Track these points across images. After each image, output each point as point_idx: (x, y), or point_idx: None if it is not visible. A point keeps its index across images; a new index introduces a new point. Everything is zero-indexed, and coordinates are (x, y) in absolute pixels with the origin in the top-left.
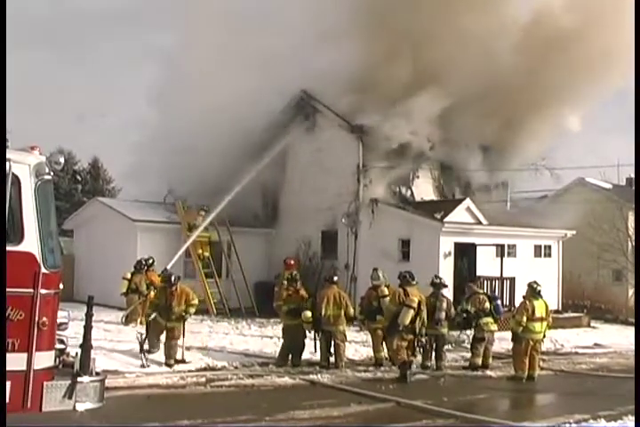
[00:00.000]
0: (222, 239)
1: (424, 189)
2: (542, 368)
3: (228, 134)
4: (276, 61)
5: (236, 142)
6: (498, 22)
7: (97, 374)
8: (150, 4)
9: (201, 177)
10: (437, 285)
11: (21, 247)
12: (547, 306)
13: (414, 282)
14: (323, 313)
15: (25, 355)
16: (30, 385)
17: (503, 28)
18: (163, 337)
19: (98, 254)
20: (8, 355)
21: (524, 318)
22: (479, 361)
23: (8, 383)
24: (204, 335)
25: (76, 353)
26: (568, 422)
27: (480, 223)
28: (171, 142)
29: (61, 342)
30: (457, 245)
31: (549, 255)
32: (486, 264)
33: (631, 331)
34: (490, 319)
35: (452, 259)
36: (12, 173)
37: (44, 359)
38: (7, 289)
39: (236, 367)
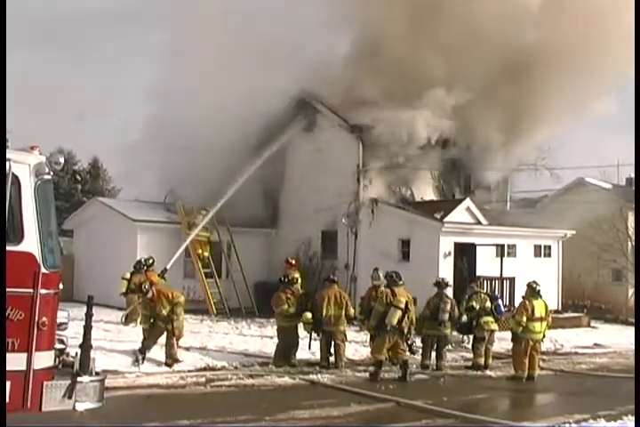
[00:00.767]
0: (222, 239)
1: (424, 189)
2: (542, 368)
3: (228, 134)
4: (277, 61)
5: (236, 143)
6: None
7: (97, 373)
8: (150, 4)
9: (201, 177)
10: (441, 284)
11: (21, 247)
12: (546, 306)
13: (401, 282)
14: (324, 313)
15: (25, 355)
16: (30, 385)
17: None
18: (160, 340)
19: (98, 254)
20: (8, 355)
21: (524, 318)
22: (482, 361)
23: (8, 383)
24: (203, 335)
25: (76, 353)
26: (568, 422)
27: (480, 223)
28: (170, 142)
29: (61, 341)
30: (457, 245)
31: (549, 255)
32: (486, 264)
33: (631, 331)
34: (490, 318)
35: (451, 259)
36: (12, 173)
37: (43, 359)
38: (7, 289)
39: (235, 367)
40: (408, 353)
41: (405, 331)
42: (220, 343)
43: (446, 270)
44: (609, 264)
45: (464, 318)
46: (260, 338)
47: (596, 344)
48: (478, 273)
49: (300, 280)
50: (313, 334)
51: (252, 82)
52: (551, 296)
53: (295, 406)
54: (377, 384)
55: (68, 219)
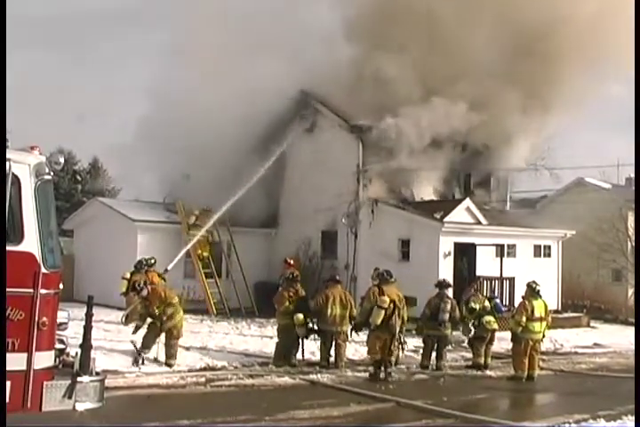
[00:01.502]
0: (222, 239)
1: (424, 189)
2: (542, 368)
3: (228, 134)
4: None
5: (236, 143)
6: None
7: (97, 373)
8: (150, 4)
9: (200, 177)
10: (443, 285)
11: (21, 247)
12: (546, 306)
13: (392, 280)
14: (328, 313)
15: (25, 355)
16: (30, 385)
17: None
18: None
19: (98, 254)
20: (8, 355)
21: (524, 318)
22: (482, 360)
23: (8, 383)
24: (203, 335)
25: (76, 353)
26: (568, 421)
27: (480, 223)
28: (170, 142)
29: (61, 341)
30: (457, 245)
31: (549, 255)
32: (486, 264)
33: (631, 331)
34: (491, 318)
35: (451, 259)
36: (12, 173)
37: (43, 359)
38: (7, 289)
39: (235, 367)
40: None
41: (396, 330)
42: (220, 343)
43: (446, 270)
44: (608, 264)
45: (468, 320)
46: (260, 338)
47: (595, 344)
48: (478, 273)
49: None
50: (307, 335)
51: (252, 82)
52: (551, 296)
53: (295, 406)
54: (377, 384)
55: (68, 219)
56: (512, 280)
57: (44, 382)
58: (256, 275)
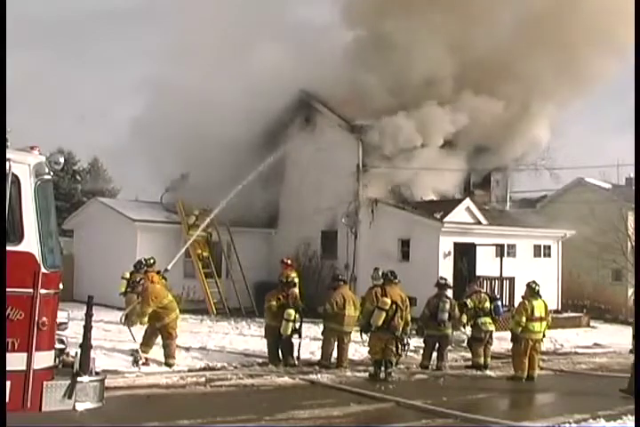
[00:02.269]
0: (222, 239)
1: (424, 189)
2: (542, 368)
3: (228, 133)
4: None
5: (236, 141)
6: None
7: (97, 373)
8: (151, 4)
9: (200, 175)
10: (442, 285)
11: (21, 247)
12: (546, 306)
13: (396, 281)
14: (346, 313)
15: (25, 355)
16: (30, 385)
17: None
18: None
19: (98, 254)
20: (8, 355)
21: (524, 318)
22: (481, 360)
23: (8, 383)
24: (203, 335)
25: (76, 353)
26: (568, 421)
27: (480, 223)
28: (169, 142)
29: (61, 341)
30: (457, 244)
31: (549, 255)
32: (486, 264)
33: (631, 331)
34: (488, 319)
35: (451, 259)
36: (12, 173)
37: (43, 359)
38: (7, 289)
39: (235, 367)
40: (397, 354)
41: (399, 331)
42: (220, 343)
43: (446, 270)
44: (608, 264)
45: (463, 319)
46: (260, 338)
47: (595, 344)
48: (478, 273)
49: (297, 283)
50: (291, 334)
51: (253, 82)
52: (551, 296)
53: (295, 406)
54: (377, 384)
55: (68, 219)
56: (512, 280)
57: (44, 382)
58: (256, 275)
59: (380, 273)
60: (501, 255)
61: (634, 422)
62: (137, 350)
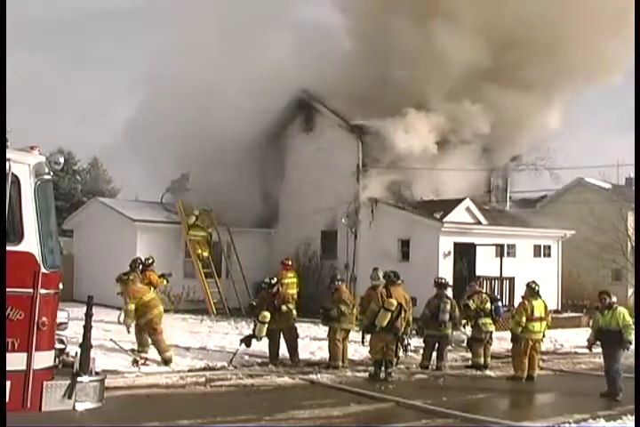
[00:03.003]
0: (222, 239)
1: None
2: (542, 368)
3: (228, 133)
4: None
5: (235, 144)
6: None
7: (97, 373)
8: (151, 4)
9: (199, 174)
10: (441, 285)
11: (21, 247)
12: (546, 306)
13: (399, 281)
14: (353, 313)
15: (25, 355)
16: (30, 385)
17: None
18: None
19: (98, 254)
20: (8, 355)
21: (524, 319)
22: (481, 360)
23: (8, 383)
24: (203, 335)
25: (76, 353)
26: (568, 421)
27: (480, 223)
28: (170, 142)
29: (61, 341)
30: (456, 244)
31: (549, 255)
32: (486, 264)
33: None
34: (488, 320)
35: (451, 259)
36: (12, 173)
37: (43, 359)
38: (7, 289)
39: (235, 367)
40: (400, 353)
41: (400, 332)
42: (220, 343)
43: (446, 270)
44: (608, 264)
45: (456, 313)
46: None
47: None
48: (478, 273)
49: (295, 284)
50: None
51: (254, 82)
52: (551, 296)
53: (295, 406)
54: (377, 384)
55: (68, 219)
56: (512, 280)
57: (44, 382)
58: (256, 275)
59: (382, 273)
60: (501, 255)
61: (634, 423)
62: (134, 350)
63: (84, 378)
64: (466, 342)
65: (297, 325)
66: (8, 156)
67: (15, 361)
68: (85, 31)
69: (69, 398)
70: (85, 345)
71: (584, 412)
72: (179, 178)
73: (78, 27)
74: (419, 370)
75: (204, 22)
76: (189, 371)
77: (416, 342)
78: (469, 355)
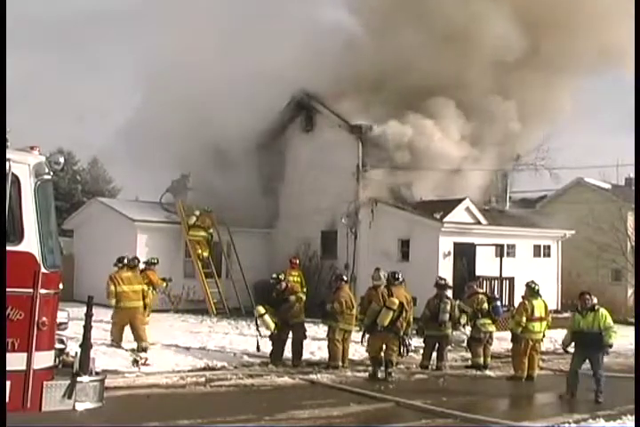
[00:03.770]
0: (222, 239)
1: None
2: (542, 368)
3: (228, 135)
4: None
5: (235, 144)
6: None
7: (97, 373)
8: (151, 4)
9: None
10: (442, 286)
11: (21, 247)
12: (546, 306)
13: (401, 281)
14: (353, 313)
15: (25, 355)
16: (30, 385)
17: None
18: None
19: (98, 254)
20: (8, 355)
21: (524, 318)
22: (481, 360)
23: (8, 383)
24: (203, 335)
25: (76, 353)
26: (567, 421)
27: (479, 223)
28: (169, 142)
29: (61, 341)
30: (456, 245)
31: (549, 255)
32: (486, 264)
33: (630, 330)
34: (487, 320)
35: (451, 259)
36: (12, 173)
37: (43, 359)
38: (7, 289)
39: (235, 367)
40: (399, 354)
41: (401, 332)
42: (220, 343)
43: (446, 270)
44: (608, 264)
45: (462, 320)
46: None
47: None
48: (478, 273)
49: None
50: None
51: (254, 82)
52: (551, 296)
53: (295, 406)
54: (377, 384)
55: (68, 219)
56: (512, 280)
57: (44, 382)
58: (256, 275)
59: (385, 274)
60: (501, 255)
61: (634, 423)
62: (134, 350)
63: (84, 378)
64: (466, 342)
65: None
66: (8, 156)
67: (15, 361)
68: (85, 31)
69: (69, 398)
70: (85, 345)
71: (584, 412)
72: (179, 178)
73: (78, 27)
74: (419, 370)
75: (203, 23)
76: (189, 371)
77: (416, 342)
78: (469, 355)
